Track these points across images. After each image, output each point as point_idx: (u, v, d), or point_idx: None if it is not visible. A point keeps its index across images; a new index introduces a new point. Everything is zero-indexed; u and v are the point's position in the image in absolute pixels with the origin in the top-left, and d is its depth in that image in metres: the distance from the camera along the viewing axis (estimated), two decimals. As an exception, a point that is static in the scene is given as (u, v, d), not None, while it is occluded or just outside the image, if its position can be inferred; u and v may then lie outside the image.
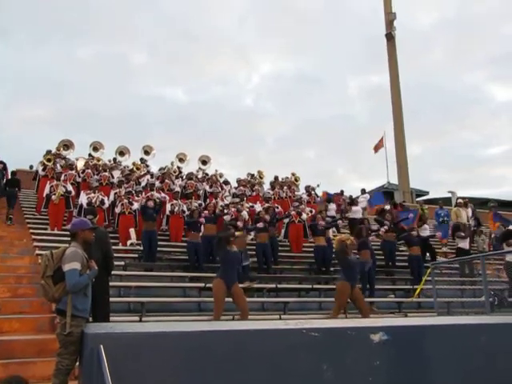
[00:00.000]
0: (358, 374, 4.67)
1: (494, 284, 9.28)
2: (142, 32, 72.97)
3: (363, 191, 18.19)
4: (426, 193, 32.12)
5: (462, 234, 13.26)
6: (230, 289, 7.74)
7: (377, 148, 28.04)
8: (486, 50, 77.35)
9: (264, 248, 11.26)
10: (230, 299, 7.85)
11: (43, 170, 13.66)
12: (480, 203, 22.53)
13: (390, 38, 31.68)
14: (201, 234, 11.10)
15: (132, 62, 76.10)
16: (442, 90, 71.49)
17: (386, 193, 30.06)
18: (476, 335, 5.42)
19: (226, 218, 12.07)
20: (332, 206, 15.78)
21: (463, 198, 18.23)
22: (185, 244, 11.35)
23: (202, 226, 11.26)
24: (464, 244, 13.02)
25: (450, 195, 24.43)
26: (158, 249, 11.20)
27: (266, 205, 13.01)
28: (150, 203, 11.22)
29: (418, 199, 29.05)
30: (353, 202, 16.08)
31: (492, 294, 8.47)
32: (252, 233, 11.85)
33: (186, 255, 10.88)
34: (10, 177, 14.20)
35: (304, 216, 12.96)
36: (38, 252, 9.47)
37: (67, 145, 15.59)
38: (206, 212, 11.46)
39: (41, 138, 63.80)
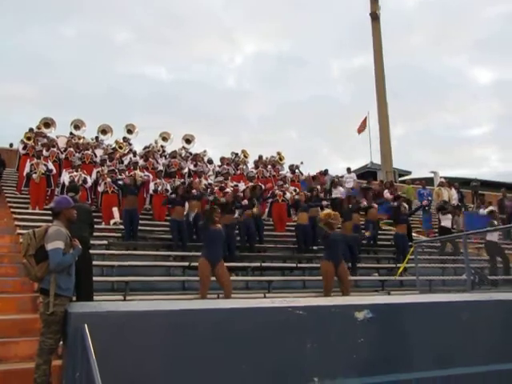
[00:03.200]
0: (342, 351, 4.70)
1: (474, 262, 9.45)
2: (127, 11, 71.59)
3: (349, 170, 18.14)
4: (409, 173, 32.35)
5: (446, 210, 13.33)
6: (214, 267, 7.72)
7: (360, 129, 27.99)
8: (467, 33, 77.71)
9: (248, 225, 11.08)
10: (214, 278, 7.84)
11: (24, 148, 13.39)
12: (461, 183, 22.77)
13: (374, 17, 31.30)
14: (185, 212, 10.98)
15: (115, 42, 74.84)
16: (425, 71, 71.76)
17: (369, 172, 30.29)
18: (458, 312, 5.50)
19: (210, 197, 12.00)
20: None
21: (444, 178, 18.42)
22: (168, 223, 11.25)
23: (187, 204, 11.11)
24: (446, 222, 13.15)
25: (432, 175, 24.65)
26: (142, 228, 11.12)
27: (251, 184, 12.91)
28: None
29: (401, 179, 29.24)
30: (335, 183, 15.82)
31: (473, 272, 8.60)
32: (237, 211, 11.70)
33: (170, 234, 10.74)
34: None
35: (288, 195, 12.92)
36: (18, 231, 9.34)
37: (48, 123, 15.28)
38: (193, 191, 11.27)
39: (22, 116, 62.79)
